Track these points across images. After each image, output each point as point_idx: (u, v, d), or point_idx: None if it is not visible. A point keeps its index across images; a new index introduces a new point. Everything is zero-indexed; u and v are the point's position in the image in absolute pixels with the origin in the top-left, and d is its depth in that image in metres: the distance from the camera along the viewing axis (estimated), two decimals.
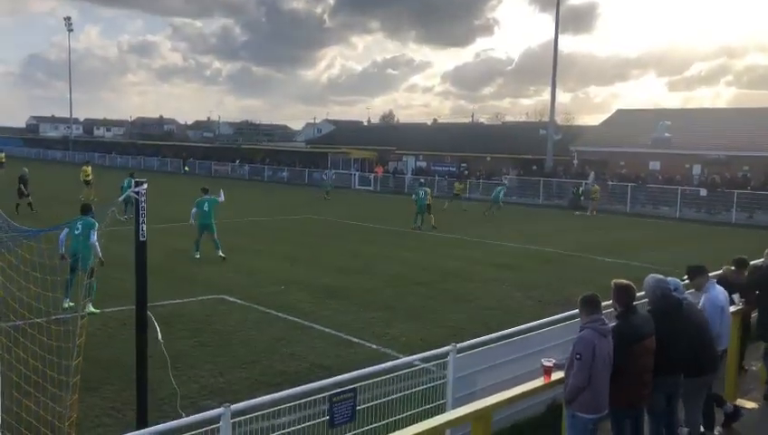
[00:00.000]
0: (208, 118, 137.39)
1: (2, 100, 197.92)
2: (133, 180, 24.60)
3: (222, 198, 16.94)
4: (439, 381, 6.27)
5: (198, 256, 16.71)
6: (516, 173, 46.54)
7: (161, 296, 11.46)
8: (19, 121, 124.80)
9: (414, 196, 26.42)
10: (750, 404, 8.03)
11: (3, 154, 48.09)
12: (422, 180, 36.44)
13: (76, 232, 11.13)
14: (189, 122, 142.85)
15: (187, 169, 62.86)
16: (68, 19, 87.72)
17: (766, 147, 38.61)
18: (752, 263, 8.93)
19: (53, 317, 7.07)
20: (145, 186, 5.50)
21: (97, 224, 11.12)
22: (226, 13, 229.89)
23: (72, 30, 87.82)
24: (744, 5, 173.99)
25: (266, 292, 13.39)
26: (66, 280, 10.87)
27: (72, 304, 10.76)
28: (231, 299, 12.69)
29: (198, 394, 7.80)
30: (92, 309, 10.78)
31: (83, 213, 11.61)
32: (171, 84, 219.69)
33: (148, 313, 5.63)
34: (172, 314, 11.13)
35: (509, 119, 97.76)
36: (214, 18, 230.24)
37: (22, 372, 6.51)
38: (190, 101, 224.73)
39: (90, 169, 34.71)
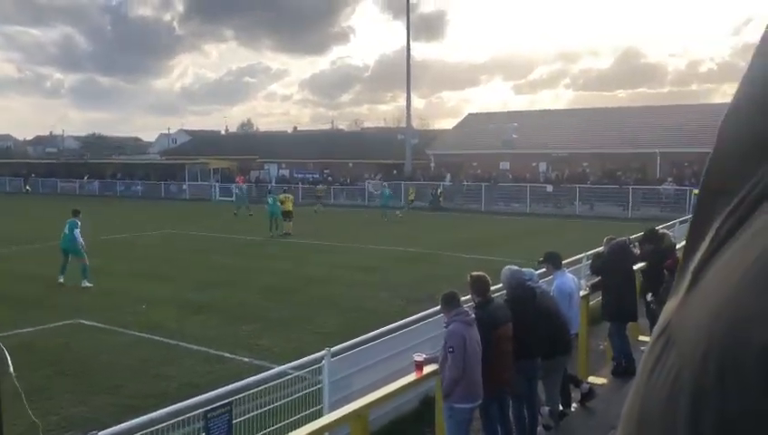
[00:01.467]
0: (51, 132, 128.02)
1: None
2: None
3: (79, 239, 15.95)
4: (315, 387, 6.32)
5: (62, 281, 15.47)
6: (379, 178, 47.57)
7: (11, 325, 10.62)
8: None
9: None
10: (600, 380, 8.78)
11: None
12: (270, 187, 36.77)
13: None
14: (29, 138, 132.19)
15: (28, 188, 58.20)
16: None
17: (600, 144, 42.20)
18: (595, 251, 9.77)
19: None
20: None
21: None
22: (66, 21, 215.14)
23: None
24: (578, 12, 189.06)
25: (127, 312, 12.76)
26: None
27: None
28: (89, 323, 11.96)
29: (59, 426, 7.32)
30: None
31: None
32: (5, 98, 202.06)
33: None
34: (24, 343, 10.31)
35: (368, 125, 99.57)
36: (52, 27, 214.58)
37: None
38: (29, 116, 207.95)
39: None
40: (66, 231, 15.80)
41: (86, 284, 15.24)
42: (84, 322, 12.02)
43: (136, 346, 10.66)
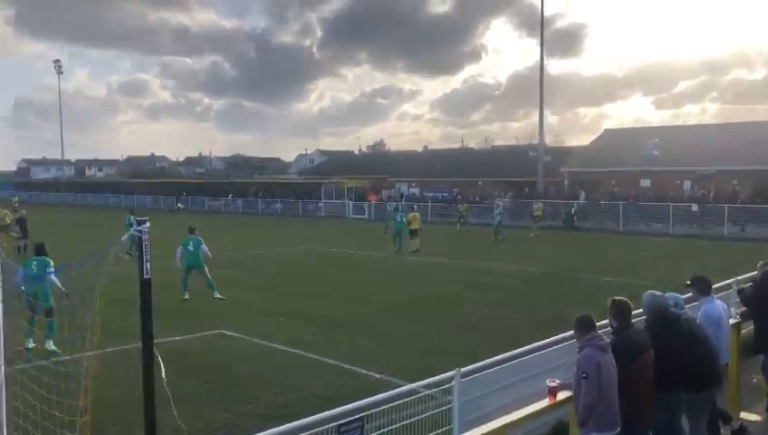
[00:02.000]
0: (200, 154, 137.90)
1: None
2: (132, 217, 24.76)
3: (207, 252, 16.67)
4: (445, 407, 6.30)
5: (187, 298, 16.28)
6: (509, 196, 46.86)
7: (160, 334, 11.44)
8: (9, 165, 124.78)
9: (391, 221, 27.39)
10: (753, 417, 8.07)
11: (17, 198, 48.21)
12: (396, 205, 37.08)
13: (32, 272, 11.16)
14: (181, 159, 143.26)
15: (180, 205, 62.92)
16: (57, 62, 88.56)
17: (753, 160, 39.07)
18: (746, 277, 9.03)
19: (53, 360, 7.09)
20: (147, 224, 5.58)
21: (51, 262, 11.66)
22: (215, 50, 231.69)
23: (61, 72, 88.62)
24: (726, 22, 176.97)
25: (265, 325, 13.40)
26: (29, 319, 10.74)
27: (34, 344, 10.63)
28: (230, 333, 12.69)
29: (203, 431, 7.79)
30: (52, 347, 10.63)
31: (37, 253, 11.98)
32: (161, 122, 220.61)
33: (155, 350, 5.67)
34: (172, 351, 11.11)
35: (499, 143, 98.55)
36: (203, 55, 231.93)
37: (29, 416, 6.51)
38: (181, 138, 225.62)
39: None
40: (191, 248, 16.42)
41: (218, 295, 16.20)
42: (227, 332, 12.77)
43: (273, 357, 11.17)
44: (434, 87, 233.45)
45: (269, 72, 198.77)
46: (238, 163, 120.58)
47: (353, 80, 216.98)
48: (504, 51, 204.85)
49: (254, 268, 22.27)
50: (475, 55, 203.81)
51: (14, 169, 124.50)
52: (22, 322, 8.73)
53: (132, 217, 25.26)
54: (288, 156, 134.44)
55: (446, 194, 52.68)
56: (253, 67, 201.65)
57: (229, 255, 23.59)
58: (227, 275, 18.21)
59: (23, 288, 10.86)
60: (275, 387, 9.52)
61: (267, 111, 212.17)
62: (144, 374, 5.72)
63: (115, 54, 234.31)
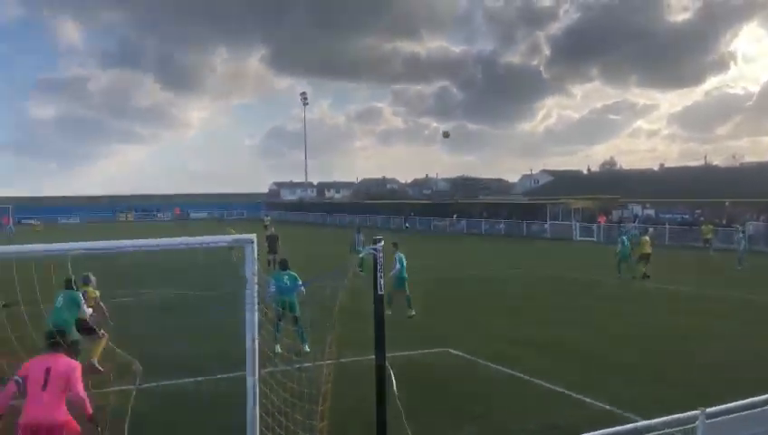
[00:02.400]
0: (426, 175, 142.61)
1: (249, 169, 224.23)
2: (360, 235, 26.41)
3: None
4: None
5: (413, 314, 16.61)
6: (762, 219, 41.72)
7: (391, 348, 11.99)
8: (263, 188, 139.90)
9: (619, 244, 25.56)
10: None
11: (269, 217, 54.33)
12: (625, 227, 34.77)
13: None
14: (409, 181, 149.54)
15: (407, 225, 65.62)
16: (303, 94, 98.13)
17: None
18: None
19: (296, 366, 7.76)
20: (382, 243, 5.91)
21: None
22: (444, 75, 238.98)
23: (306, 104, 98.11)
24: None
25: (491, 346, 13.38)
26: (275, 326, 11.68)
27: (280, 350, 11.24)
28: (456, 353, 12.87)
29: None
30: (307, 349, 12.09)
31: (283, 268, 13.37)
32: (392, 146, 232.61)
33: (387, 364, 5.95)
34: (402, 364, 11.56)
35: (748, 159, 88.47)
36: (432, 82, 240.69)
37: (275, 417, 7.21)
38: (410, 161, 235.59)
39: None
40: (398, 265, 16.92)
41: (412, 312, 16.50)
42: (453, 351, 12.98)
43: (498, 379, 11.11)
44: (671, 101, 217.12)
45: (495, 94, 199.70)
46: (463, 184, 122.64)
47: (582, 97, 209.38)
48: (756, 58, 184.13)
49: (479, 288, 22.40)
50: (722, 64, 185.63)
51: (266, 190, 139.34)
52: (269, 327, 9.71)
53: (359, 234, 26.97)
54: (512, 176, 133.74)
55: (686, 216, 48.45)
56: (479, 90, 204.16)
57: (454, 274, 24.03)
58: (453, 293, 18.55)
59: (273, 298, 12.12)
60: (502, 410, 9.45)
61: (492, 133, 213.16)
62: (377, 385, 6.04)
63: (353, 85, 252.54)
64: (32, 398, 5.90)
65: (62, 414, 5.94)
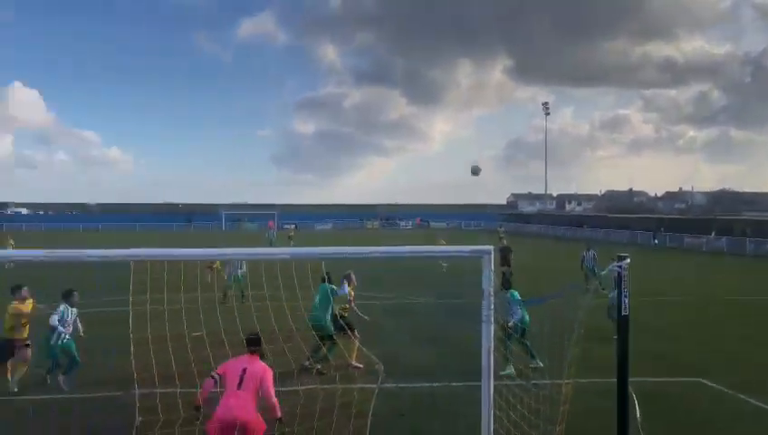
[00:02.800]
0: (680, 188, 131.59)
1: (488, 180, 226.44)
2: (591, 252, 25.02)
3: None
4: None
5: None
6: None
7: (635, 372, 11.22)
8: (500, 199, 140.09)
9: None
10: None
11: (503, 228, 54.59)
12: None
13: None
14: (660, 193, 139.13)
15: (656, 241, 60.96)
16: (545, 104, 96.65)
17: None
18: None
19: (532, 382, 7.60)
20: (627, 260, 5.57)
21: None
22: (703, 78, 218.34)
23: (548, 113, 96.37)
24: None
25: (751, 379, 11.85)
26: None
27: (510, 370, 10.90)
28: (711, 384, 11.62)
29: None
30: (538, 363, 11.23)
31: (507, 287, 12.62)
32: (641, 156, 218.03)
33: (630, 389, 5.59)
34: (646, 392, 10.75)
35: None
36: (689, 85, 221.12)
37: (510, 431, 7.14)
38: (661, 172, 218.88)
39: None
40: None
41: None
42: (706, 382, 11.74)
43: (758, 417, 9.81)
44: None
45: (766, 97, 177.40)
46: (724, 198, 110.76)
47: None
48: None
49: (738, 314, 19.99)
50: None
51: (504, 202, 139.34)
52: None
53: (589, 252, 25.41)
54: None
55: None
56: (746, 93, 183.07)
57: (705, 296, 21.76)
58: (702, 318, 16.78)
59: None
60: None
61: (761, 140, 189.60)
62: (618, 410, 5.69)
63: (597, 91, 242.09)
64: (228, 394, 6.40)
65: (253, 412, 6.36)
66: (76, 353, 10.55)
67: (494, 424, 6.31)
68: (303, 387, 9.32)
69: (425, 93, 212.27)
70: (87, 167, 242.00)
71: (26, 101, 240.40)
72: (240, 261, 20.28)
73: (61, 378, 10.52)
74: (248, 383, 6.41)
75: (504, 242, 29.83)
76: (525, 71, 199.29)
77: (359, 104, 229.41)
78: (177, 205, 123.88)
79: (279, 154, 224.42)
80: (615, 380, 5.77)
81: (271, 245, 48.61)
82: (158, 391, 7.40)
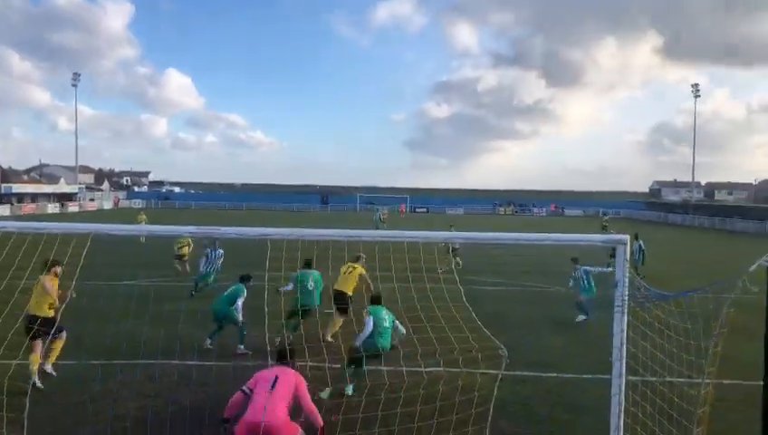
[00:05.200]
0: None
1: (628, 166, 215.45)
2: None
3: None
4: None
5: None
6: None
7: None
8: (642, 186, 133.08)
9: None
10: None
11: (606, 218, 51.53)
12: None
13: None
14: None
15: None
16: (695, 86, 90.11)
17: None
18: None
19: (666, 379, 7.17)
20: None
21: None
22: None
23: (698, 96, 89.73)
24: None
25: None
26: None
27: None
28: None
29: None
30: None
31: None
32: None
33: None
34: None
35: None
36: None
37: (648, 427, 6.80)
38: None
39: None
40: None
41: None
42: None
43: None
44: None
45: None
46: None
47: None
48: None
49: None
50: None
51: (647, 190, 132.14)
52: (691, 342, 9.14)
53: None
54: None
55: None
56: None
57: None
58: None
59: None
60: None
61: None
62: (763, 416, 5.26)
63: (756, 73, 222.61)
64: (257, 398, 6.20)
65: (283, 417, 6.12)
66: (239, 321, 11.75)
67: (624, 419, 6.04)
68: (427, 369, 9.40)
69: (564, 75, 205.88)
70: (233, 149, 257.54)
71: (179, 86, 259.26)
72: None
73: (240, 347, 11.57)
74: (280, 389, 6.28)
75: (609, 230, 28.46)
76: (675, 50, 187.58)
77: (494, 87, 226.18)
78: (315, 187, 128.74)
79: (412, 138, 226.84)
80: (761, 383, 5.33)
81: (377, 228, 49.36)
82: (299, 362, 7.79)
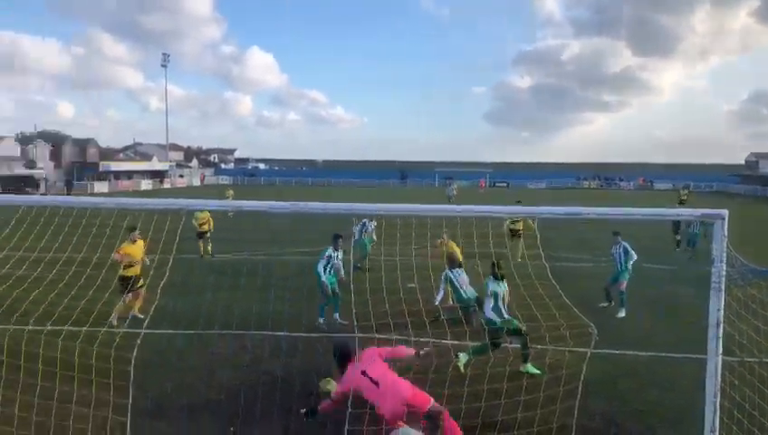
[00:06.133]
0: None
1: (722, 137, 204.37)
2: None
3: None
4: None
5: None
6: None
7: None
8: (737, 159, 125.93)
9: None
10: None
11: (685, 192, 46.43)
12: None
13: None
14: None
15: None
16: None
17: None
18: None
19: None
20: None
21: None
22: None
23: None
24: None
25: None
26: None
27: None
28: None
29: None
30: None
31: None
32: None
33: None
34: None
35: None
36: None
37: (745, 410, 6.56)
38: None
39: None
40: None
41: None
42: None
43: None
44: None
45: None
46: None
47: None
48: None
49: None
50: None
51: (742, 162, 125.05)
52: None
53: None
54: None
55: None
56: None
57: None
58: None
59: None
60: None
61: None
62: None
63: None
64: (379, 399, 6.21)
65: (412, 394, 6.22)
66: (336, 290, 12.20)
67: (720, 399, 5.83)
68: (512, 346, 9.35)
69: (652, 42, 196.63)
70: (315, 125, 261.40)
71: (262, 64, 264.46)
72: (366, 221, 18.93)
73: (336, 316, 12.12)
74: (380, 378, 6.31)
75: (686, 205, 26.94)
76: None
77: (578, 57, 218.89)
78: (394, 162, 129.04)
79: (493, 111, 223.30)
80: None
81: (449, 201, 48.82)
82: (376, 336, 7.88)
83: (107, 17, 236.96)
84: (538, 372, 9.01)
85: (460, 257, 12.78)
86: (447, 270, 11.83)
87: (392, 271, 9.92)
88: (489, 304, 9.46)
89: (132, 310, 11.85)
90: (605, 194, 78.58)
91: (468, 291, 11.59)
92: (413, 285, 9.27)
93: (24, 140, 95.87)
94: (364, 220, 18.63)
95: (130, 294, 11.73)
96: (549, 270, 7.70)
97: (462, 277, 11.78)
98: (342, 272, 12.47)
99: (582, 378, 7.14)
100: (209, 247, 20.66)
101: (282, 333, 10.81)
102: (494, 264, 9.74)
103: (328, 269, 12.14)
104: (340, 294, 12.21)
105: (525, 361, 9.21)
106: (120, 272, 11.69)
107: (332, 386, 7.10)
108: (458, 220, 7.43)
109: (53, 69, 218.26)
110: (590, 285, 14.77)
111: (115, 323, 11.20)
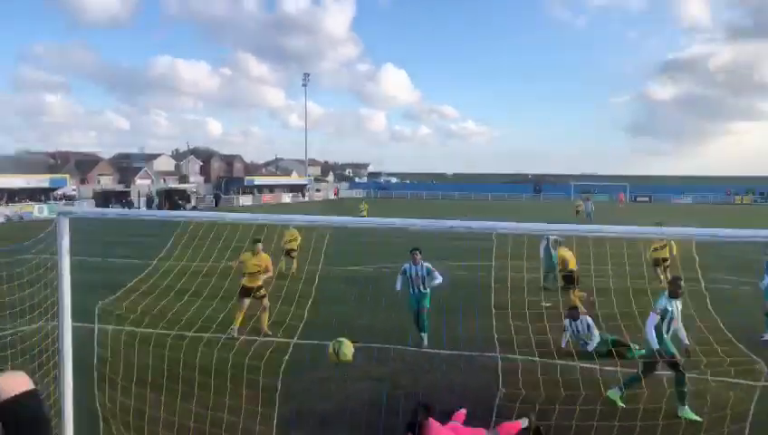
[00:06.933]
0: None
1: None
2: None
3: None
4: None
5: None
6: None
7: None
8: None
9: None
10: None
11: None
12: None
13: None
14: None
15: None
16: None
17: None
18: None
19: None
20: None
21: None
22: None
23: None
24: None
25: None
26: None
27: None
28: None
29: None
30: None
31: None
32: None
33: None
34: None
35: None
36: None
37: None
38: None
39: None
40: None
41: None
42: None
43: None
44: None
45: None
46: None
47: None
48: None
49: None
50: None
51: None
52: None
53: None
54: None
55: None
56: None
57: None
58: None
59: None
60: None
61: None
62: None
63: None
64: None
65: None
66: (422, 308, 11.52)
67: None
68: (665, 372, 8.70)
69: None
70: (446, 139, 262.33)
71: (396, 81, 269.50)
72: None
73: (422, 335, 11.51)
74: None
75: None
76: None
77: (729, 63, 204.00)
78: (527, 175, 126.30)
79: (634, 122, 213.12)
80: None
81: (588, 219, 45.79)
82: (518, 357, 7.62)
83: (251, 40, 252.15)
84: (698, 419, 7.79)
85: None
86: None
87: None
88: (653, 320, 8.24)
89: (262, 327, 12.04)
90: (759, 210, 72.16)
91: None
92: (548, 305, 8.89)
93: (179, 156, 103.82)
94: (547, 236, 16.33)
95: (246, 300, 12.10)
96: (708, 299, 7.11)
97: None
98: (437, 282, 11.55)
99: (750, 417, 6.50)
100: (294, 266, 19.22)
101: (423, 349, 10.77)
102: (674, 279, 8.67)
103: (406, 284, 11.59)
104: (429, 311, 11.51)
105: (683, 401, 8.00)
106: (242, 282, 12.22)
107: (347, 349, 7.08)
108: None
109: (204, 89, 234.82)
110: (749, 309, 13.58)
111: (235, 334, 11.44)
